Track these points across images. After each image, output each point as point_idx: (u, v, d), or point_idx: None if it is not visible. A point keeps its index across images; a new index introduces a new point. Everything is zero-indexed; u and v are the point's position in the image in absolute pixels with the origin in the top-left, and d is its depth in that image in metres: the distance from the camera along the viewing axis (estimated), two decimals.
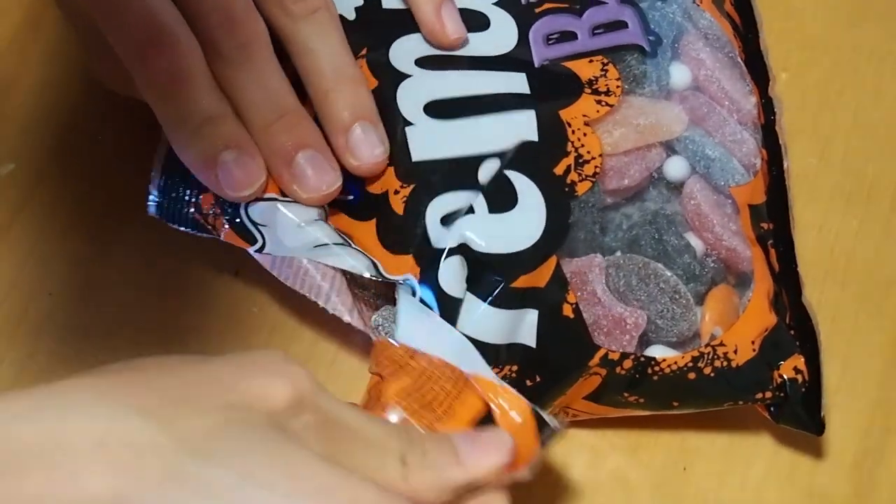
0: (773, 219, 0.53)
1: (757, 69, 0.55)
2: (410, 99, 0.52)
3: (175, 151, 0.50)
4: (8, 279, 0.54)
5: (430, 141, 0.51)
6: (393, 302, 0.50)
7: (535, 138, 0.50)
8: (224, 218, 0.50)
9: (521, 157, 0.50)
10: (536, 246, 0.49)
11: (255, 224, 0.50)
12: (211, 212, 0.50)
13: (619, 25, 0.53)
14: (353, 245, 0.50)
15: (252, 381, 0.38)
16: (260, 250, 0.50)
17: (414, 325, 0.47)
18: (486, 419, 0.44)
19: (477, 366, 0.45)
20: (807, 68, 0.59)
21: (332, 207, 0.51)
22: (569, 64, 0.52)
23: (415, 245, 0.49)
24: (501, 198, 0.49)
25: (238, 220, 0.50)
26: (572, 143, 0.50)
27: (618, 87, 0.52)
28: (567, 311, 0.48)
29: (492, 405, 0.44)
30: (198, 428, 0.36)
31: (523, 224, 0.49)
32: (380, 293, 0.51)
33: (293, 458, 0.37)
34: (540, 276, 0.48)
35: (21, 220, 0.55)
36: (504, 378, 0.48)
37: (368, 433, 0.40)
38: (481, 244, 0.48)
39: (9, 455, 0.34)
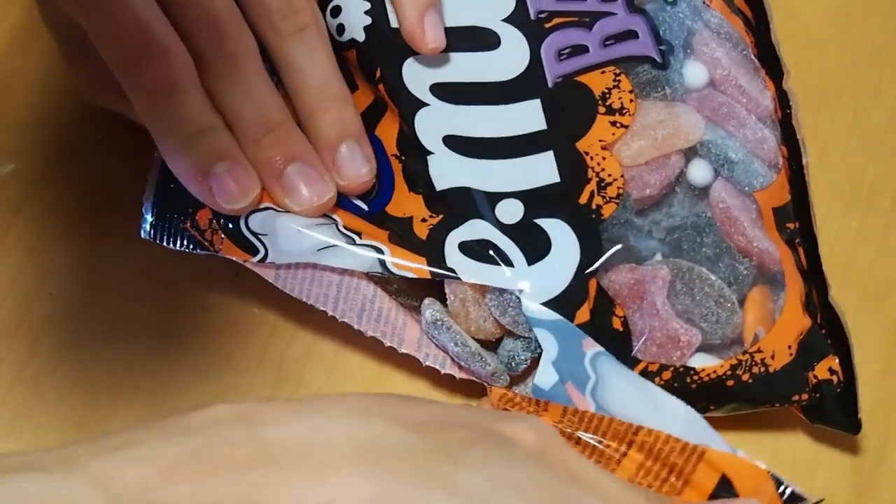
0: (798, 217, 0.53)
1: (770, 62, 0.55)
2: (429, 130, 0.52)
3: (167, 163, 0.50)
4: (8, 279, 0.54)
5: (451, 170, 0.51)
6: (413, 296, 0.51)
7: (557, 179, 0.51)
8: (222, 232, 0.50)
9: (545, 200, 0.50)
10: (576, 278, 0.49)
11: (255, 234, 0.50)
12: (208, 227, 0.51)
13: (630, 35, 0.53)
14: (358, 241, 0.50)
15: (503, 424, 0.40)
16: (262, 260, 0.50)
17: (631, 398, 0.47)
18: (721, 489, 0.45)
19: (707, 437, 0.46)
20: (807, 68, 0.59)
21: (343, 212, 0.51)
22: (581, 78, 0.52)
23: (431, 259, 0.50)
24: (537, 245, 0.50)
25: (237, 231, 0.50)
26: (592, 168, 0.51)
27: (631, 101, 0.52)
28: (616, 324, 0.49)
29: (730, 476, 0.44)
30: (451, 439, 0.37)
31: (562, 265, 0.49)
32: (401, 289, 0.51)
33: (546, 477, 0.38)
34: (589, 302, 0.49)
35: (21, 220, 0.55)
36: None
37: (614, 490, 0.40)
38: (531, 303, 0.49)
39: (269, 456, 0.35)
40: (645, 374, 0.49)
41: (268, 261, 0.50)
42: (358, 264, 0.50)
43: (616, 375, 0.48)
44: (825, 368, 0.50)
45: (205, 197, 0.50)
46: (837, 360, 0.50)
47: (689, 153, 0.52)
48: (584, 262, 0.49)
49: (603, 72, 0.52)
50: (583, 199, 0.50)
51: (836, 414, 0.50)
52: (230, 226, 0.50)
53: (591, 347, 0.48)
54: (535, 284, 0.49)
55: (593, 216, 0.50)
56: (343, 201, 0.52)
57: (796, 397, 0.50)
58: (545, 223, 0.50)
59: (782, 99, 0.54)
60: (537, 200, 0.50)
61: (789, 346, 0.50)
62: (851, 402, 0.50)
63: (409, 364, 0.52)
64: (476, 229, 0.50)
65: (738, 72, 0.53)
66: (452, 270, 0.49)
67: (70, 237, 0.55)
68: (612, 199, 0.50)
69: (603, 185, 0.50)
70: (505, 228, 0.50)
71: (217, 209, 0.50)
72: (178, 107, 0.49)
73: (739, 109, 0.53)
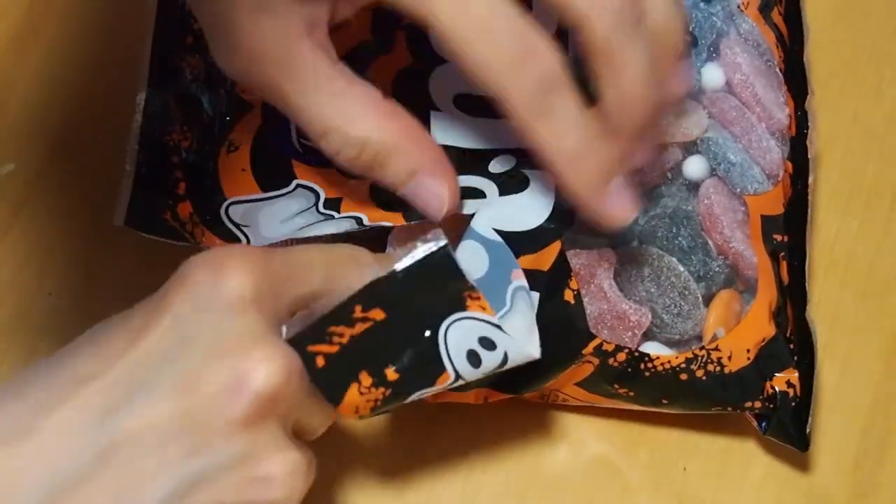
0: (789, 231, 0.52)
1: (796, 81, 0.55)
2: (442, 87, 0.52)
3: (575, 175, 0.46)
4: (7, 279, 0.54)
5: (453, 130, 0.51)
6: None
7: None
8: (203, 225, 0.50)
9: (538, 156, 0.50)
10: (541, 228, 0.49)
11: (235, 224, 0.50)
12: (189, 220, 0.50)
13: None
14: (336, 217, 0.50)
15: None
16: None
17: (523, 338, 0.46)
18: None
19: None
20: None
21: (325, 168, 0.51)
22: None
23: (406, 211, 0.49)
24: (512, 184, 0.49)
25: (218, 222, 0.50)
26: None
27: None
28: (568, 296, 0.48)
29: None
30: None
31: (530, 206, 0.49)
32: None
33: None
34: (543, 259, 0.48)
35: (21, 220, 0.55)
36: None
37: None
38: (487, 223, 0.48)
39: None
40: (600, 353, 0.49)
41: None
42: (335, 229, 0.49)
43: (521, 313, 0.46)
44: (784, 381, 0.50)
45: (597, 207, 0.46)
46: (797, 374, 0.50)
47: (689, 148, 0.52)
48: (555, 215, 0.49)
49: None
50: None
51: (787, 427, 0.50)
52: (208, 217, 0.50)
53: (518, 279, 0.47)
54: (499, 212, 0.48)
55: None
56: (327, 159, 0.50)
57: (749, 403, 0.50)
58: (530, 172, 0.50)
59: (801, 118, 0.54)
60: (530, 156, 0.50)
61: (748, 350, 0.49)
62: (804, 417, 0.50)
63: None
64: (465, 181, 0.50)
65: (758, 81, 0.53)
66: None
67: (70, 237, 0.55)
68: None
69: None
70: (493, 176, 0.50)
71: (607, 224, 0.47)
72: (568, 103, 0.45)
73: (750, 116, 0.53)
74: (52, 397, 0.39)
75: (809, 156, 0.54)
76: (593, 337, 0.49)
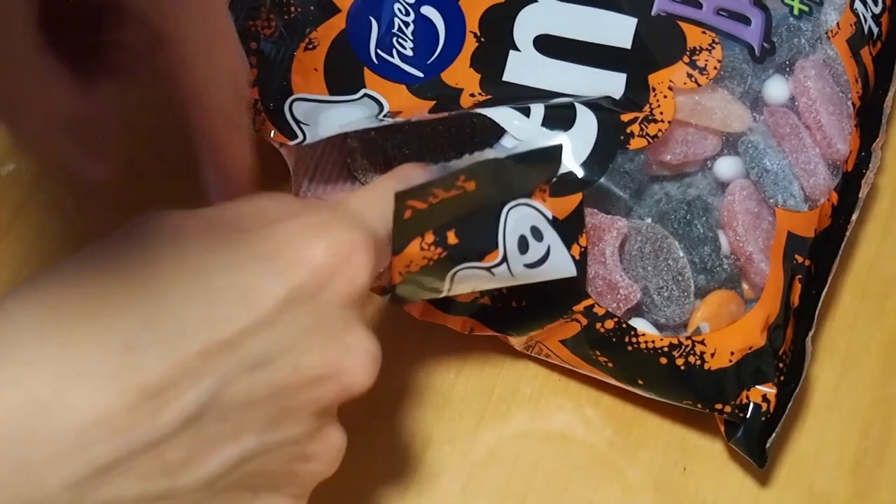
0: (813, 258, 0.52)
1: (870, 121, 0.55)
2: (527, 27, 0.52)
3: None
4: (8, 279, 0.54)
5: (525, 70, 0.52)
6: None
7: (618, 97, 0.51)
8: (264, 113, 0.51)
9: (596, 102, 0.50)
10: (570, 173, 0.49)
11: (297, 121, 0.51)
12: (252, 107, 0.51)
13: (743, 19, 0.53)
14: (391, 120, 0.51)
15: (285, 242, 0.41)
16: (300, 144, 0.51)
17: None
18: None
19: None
20: None
21: (395, 83, 0.52)
22: (682, 24, 0.52)
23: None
24: (559, 117, 0.50)
25: (280, 115, 0.51)
26: (651, 103, 0.51)
27: (715, 69, 0.51)
28: (574, 251, 0.49)
29: None
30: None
31: (568, 147, 0.49)
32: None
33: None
34: (561, 207, 0.49)
35: (21, 219, 0.55)
36: (495, 289, 0.49)
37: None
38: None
39: None
40: (590, 314, 0.49)
41: (304, 144, 0.51)
42: (365, 117, 0.51)
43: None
44: (760, 394, 0.50)
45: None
46: (776, 392, 0.50)
47: (728, 146, 0.52)
48: (586, 167, 0.49)
49: (704, 32, 0.52)
50: (625, 118, 0.50)
51: (752, 440, 0.50)
52: (271, 106, 0.51)
53: None
54: (529, 142, 0.49)
55: (621, 137, 0.50)
56: (399, 74, 0.52)
57: (720, 406, 0.50)
58: (581, 107, 0.50)
59: (863, 157, 0.54)
60: (588, 100, 0.50)
61: (732, 353, 0.50)
62: (769, 435, 0.50)
63: (411, 363, 0.52)
64: (521, 106, 0.51)
65: (824, 107, 0.53)
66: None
67: (70, 237, 0.55)
68: (647, 136, 0.50)
69: (649, 119, 0.50)
70: (546, 104, 0.50)
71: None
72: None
73: (805, 136, 0.52)
74: (157, 355, 0.37)
75: (860, 195, 0.54)
76: (587, 296, 0.49)
